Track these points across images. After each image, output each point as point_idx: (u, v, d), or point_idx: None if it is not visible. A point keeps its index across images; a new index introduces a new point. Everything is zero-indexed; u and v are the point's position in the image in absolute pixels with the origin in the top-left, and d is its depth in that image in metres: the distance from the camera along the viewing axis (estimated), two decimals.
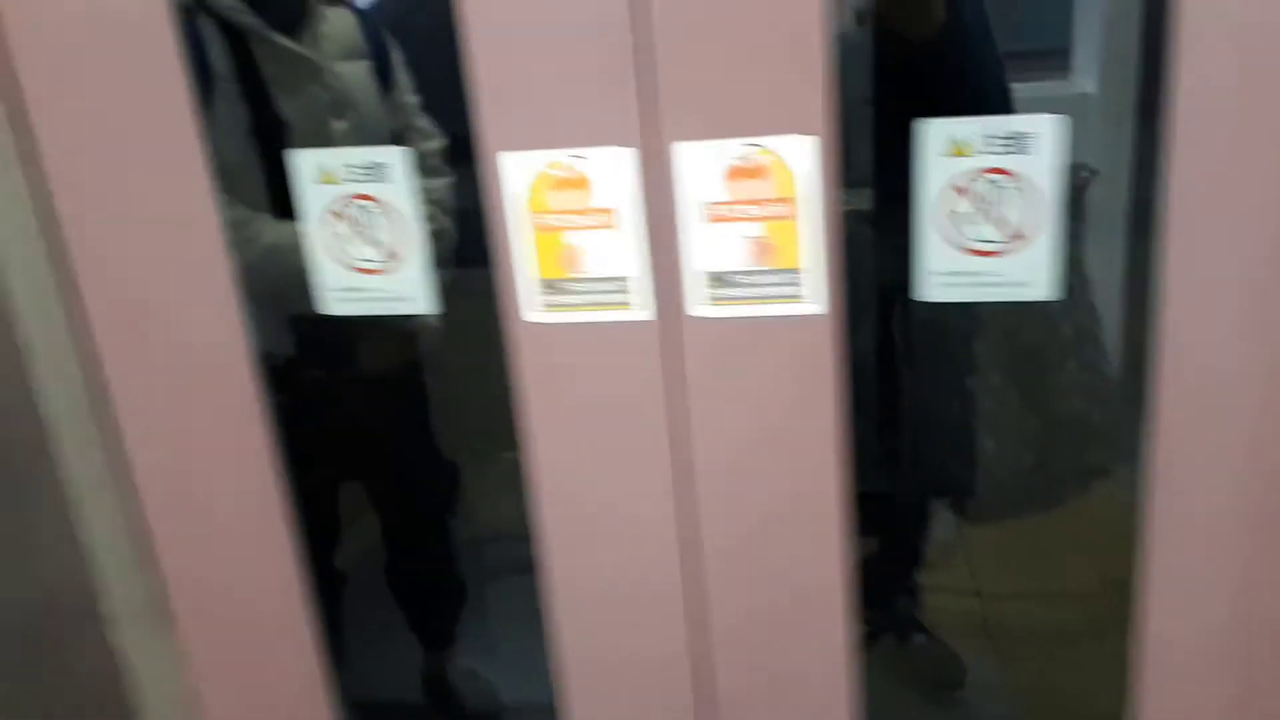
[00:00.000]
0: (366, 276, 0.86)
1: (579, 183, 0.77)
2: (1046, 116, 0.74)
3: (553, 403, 0.84)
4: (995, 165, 0.76)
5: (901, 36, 0.92)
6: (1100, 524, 1.03)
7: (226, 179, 0.84)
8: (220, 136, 0.84)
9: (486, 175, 0.78)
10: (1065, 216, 0.75)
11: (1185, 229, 0.73)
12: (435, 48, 0.82)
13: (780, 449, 0.82)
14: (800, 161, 0.74)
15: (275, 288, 0.91)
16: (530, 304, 0.81)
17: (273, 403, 0.90)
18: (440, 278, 0.85)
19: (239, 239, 0.88)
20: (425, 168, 0.89)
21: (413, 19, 1.05)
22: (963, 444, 1.05)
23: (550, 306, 0.81)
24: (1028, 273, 0.78)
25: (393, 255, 0.85)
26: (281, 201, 0.86)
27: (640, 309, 0.79)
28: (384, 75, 1.05)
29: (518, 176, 0.77)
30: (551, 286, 0.80)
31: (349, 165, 0.83)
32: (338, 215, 0.84)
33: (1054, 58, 1.00)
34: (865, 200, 0.88)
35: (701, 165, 0.75)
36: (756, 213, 0.76)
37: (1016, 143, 0.75)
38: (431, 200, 0.89)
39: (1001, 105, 0.91)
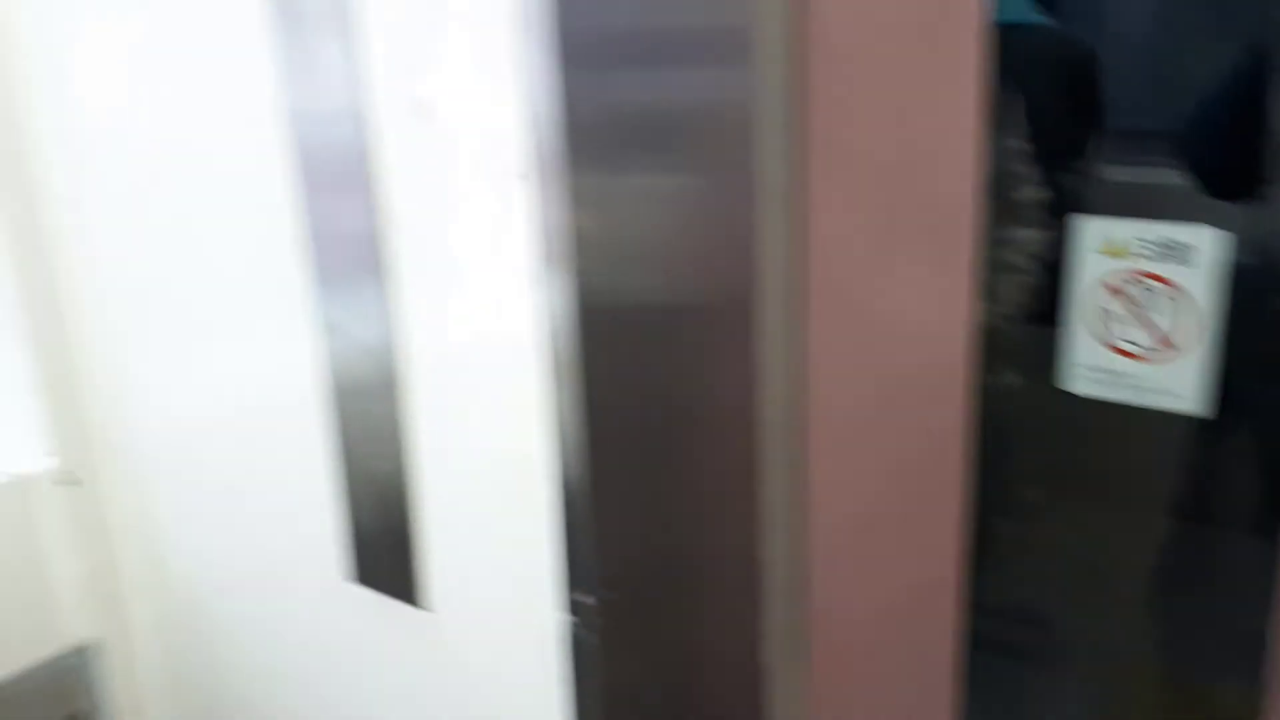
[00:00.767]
0: (1127, 361, 0.79)
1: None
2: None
3: None
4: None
5: None
6: None
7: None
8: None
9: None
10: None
11: None
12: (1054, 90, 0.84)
13: None
14: None
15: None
16: None
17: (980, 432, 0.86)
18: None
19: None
20: (1021, 218, 0.86)
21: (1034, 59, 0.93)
22: None
23: None
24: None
25: (1167, 343, 0.76)
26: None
27: None
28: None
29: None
30: None
31: (1142, 240, 0.76)
32: (1115, 291, 0.78)
33: None
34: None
35: None
36: None
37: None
38: (1026, 253, 0.86)
39: None
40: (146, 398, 1.38)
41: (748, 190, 0.81)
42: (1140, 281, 0.76)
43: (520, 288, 0.95)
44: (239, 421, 1.27)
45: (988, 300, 0.81)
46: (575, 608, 1.01)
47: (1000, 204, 0.80)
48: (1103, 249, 0.77)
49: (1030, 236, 0.86)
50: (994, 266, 0.81)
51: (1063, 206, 0.85)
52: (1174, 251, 0.74)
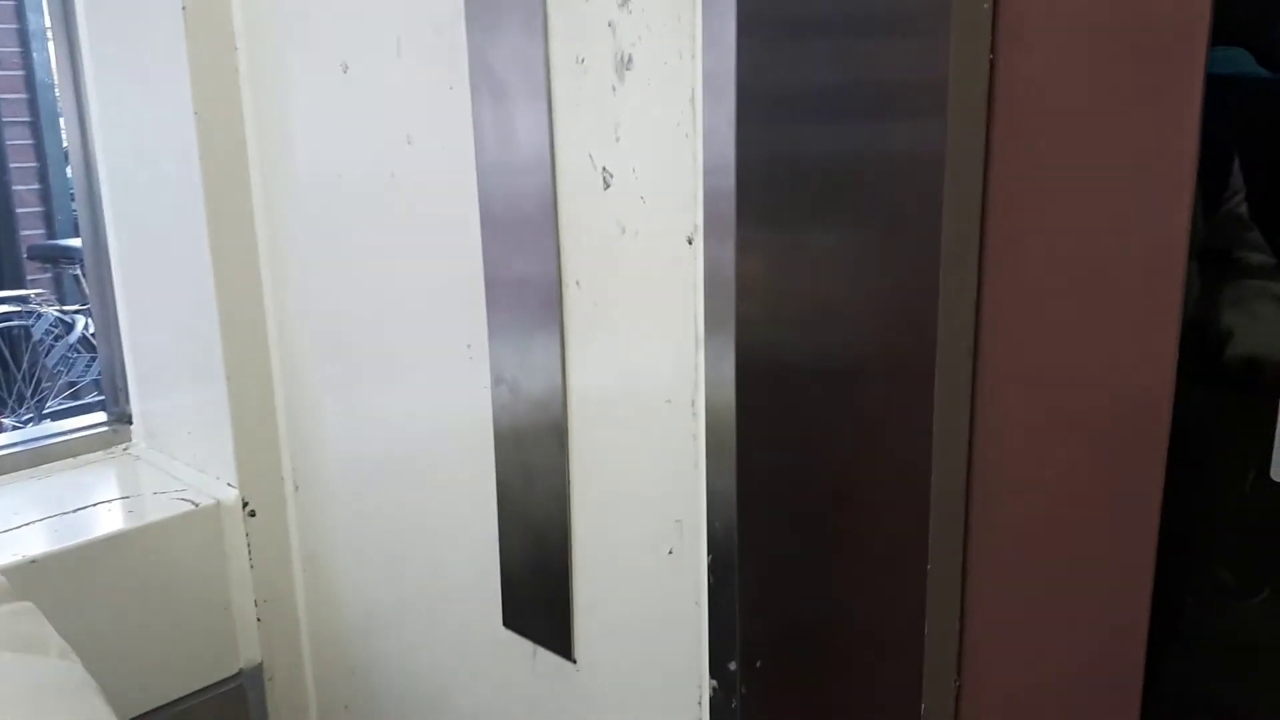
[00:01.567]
0: None
1: None
2: None
3: None
4: None
5: None
6: None
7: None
8: None
9: None
10: None
11: None
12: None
13: None
14: None
15: None
16: None
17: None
18: None
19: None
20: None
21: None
22: None
23: None
24: None
25: None
26: None
27: None
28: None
29: None
30: None
31: None
32: None
33: None
34: None
35: None
36: None
37: None
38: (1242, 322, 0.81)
39: None
40: (329, 435, 1.46)
41: (931, 249, 0.79)
42: None
43: (685, 347, 0.96)
44: (411, 462, 1.33)
45: (1193, 371, 0.75)
46: (722, 674, 0.99)
47: (1215, 271, 0.74)
48: None
49: (1247, 306, 0.80)
50: (1204, 337, 0.75)
51: (1268, 272, 0.79)
52: None
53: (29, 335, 4.95)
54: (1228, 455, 0.81)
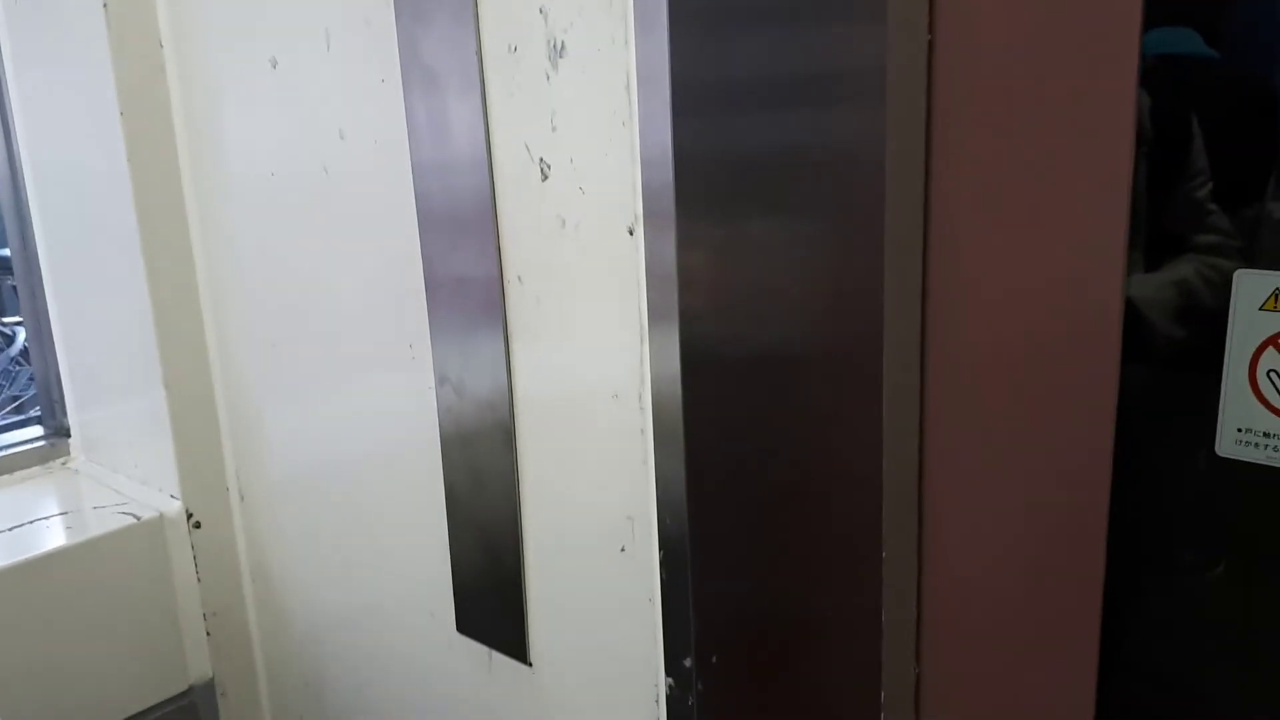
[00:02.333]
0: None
1: None
2: None
3: None
4: None
5: None
6: None
7: None
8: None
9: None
10: None
11: None
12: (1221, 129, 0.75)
13: None
14: None
15: None
16: None
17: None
18: None
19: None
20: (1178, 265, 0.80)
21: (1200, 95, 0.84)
22: None
23: None
24: None
25: None
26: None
27: None
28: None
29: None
30: None
31: None
32: None
33: None
34: None
35: None
36: None
37: None
38: (1183, 303, 0.80)
39: None
40: (273, 442, 1.42)
41: (874, 238, 0.78)
42: None
43: (630, 341, 0.94)
44: (357, 469, 1.30)
45: (1139, 354, 0.74)
46: (677, 671, 0.97)
47: (1156, 250, 0.73)
48: (1267, 305, 0.70)
49: (1188, 286, 0.79)
50: (1147, 318, 0.74)
51: (1226, 254, 0.78)
52: None
53: None
54: (1179, 432, 0.80)
